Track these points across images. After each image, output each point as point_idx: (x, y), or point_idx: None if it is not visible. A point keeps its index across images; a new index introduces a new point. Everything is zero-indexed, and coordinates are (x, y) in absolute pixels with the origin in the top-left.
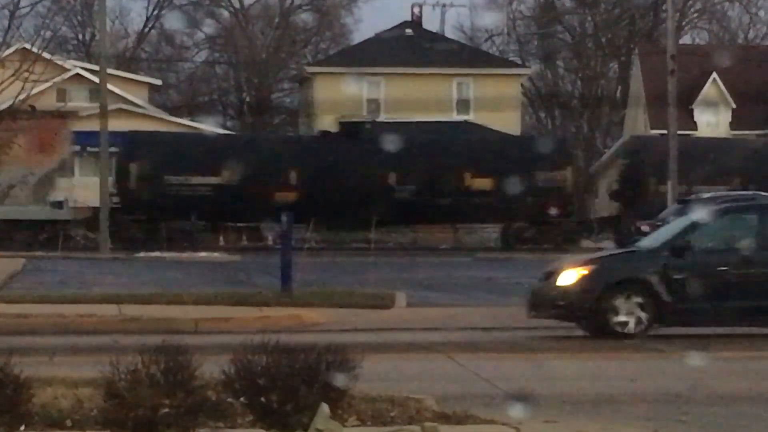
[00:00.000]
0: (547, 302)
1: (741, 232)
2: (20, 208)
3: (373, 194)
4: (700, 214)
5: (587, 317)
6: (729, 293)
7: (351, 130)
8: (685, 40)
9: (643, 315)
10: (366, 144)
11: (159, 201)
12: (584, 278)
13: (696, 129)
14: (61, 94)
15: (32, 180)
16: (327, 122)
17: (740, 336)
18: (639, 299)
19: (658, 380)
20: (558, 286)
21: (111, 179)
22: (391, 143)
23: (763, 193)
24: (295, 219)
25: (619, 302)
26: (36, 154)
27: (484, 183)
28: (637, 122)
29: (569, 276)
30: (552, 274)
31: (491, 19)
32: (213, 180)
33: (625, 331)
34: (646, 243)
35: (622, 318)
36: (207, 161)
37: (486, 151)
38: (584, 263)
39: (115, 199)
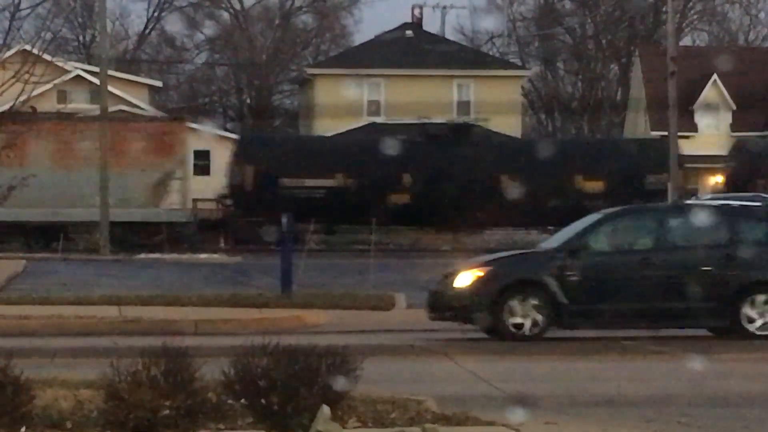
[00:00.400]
0: (443, 304)
1: (639, 233)
2: (139, 210)
3: (485, 196)
4: (598, 214)
5: (483, 319)
6: (626, 295)
7: (460, 131)
8: (686, 41)
9: (539, 317)
10: (476, 146)
11: (274, 203)
12: (480, 280)
13: (696, 131)
14: (62, 96)
15: (150, 181)
16: (327, 124)
17: (740, 336)
18: (535, 301)
19: (658, 382)
20: (454, 288)
21: (224, 180)
22: (500, 144)
23: (765, 195)
24: (408, 221)
25: (515, 304)
26: (153, 156)
27: (594, 186)
28: (638, 124)
29: (465, 278)
30: (449, 276)
31: (492, 21)
32: (327, 182)
33: (522, 333)
34: (546, 244)
35: (517, 320)
36: (322, 163)
37: (597, 153)
38: (480, 265)
39: (228, 201)
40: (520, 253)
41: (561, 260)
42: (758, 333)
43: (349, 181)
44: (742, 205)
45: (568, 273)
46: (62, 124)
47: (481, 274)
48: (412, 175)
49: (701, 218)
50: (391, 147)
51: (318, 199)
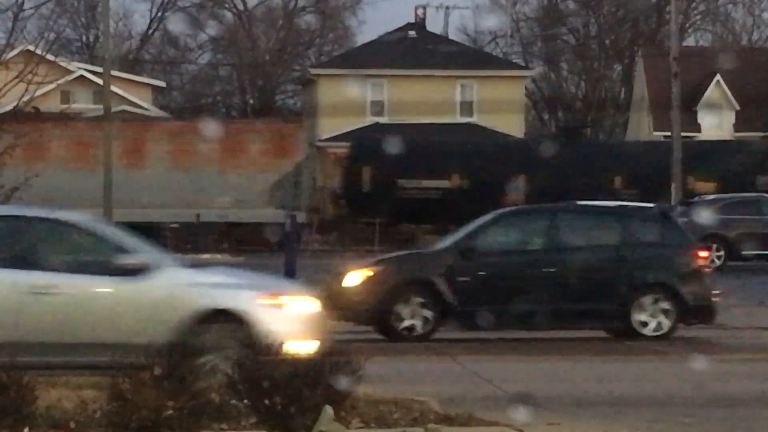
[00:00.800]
0: (334, 303)
1: (531, 233)
2: (258, 212)
3: (599, 198)
4: (491, 214)
5: (373, 319)
6: (515, 296)
7: (572, 133)
8: (689, 42)
9: (428, 316)
10: (588, 147)
11: (391, 204)
12: (369, 280)
13: (699, 131)
14: (65, 96)
15: (267, 183)
16: (330, 125)
17: (740, 337)
18: (423, 301)
19: (661, 382)
20: (344, 288)
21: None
22: (612, 146)
23: (767, 196)
24: None
25: (403, 304)
26: (272, 158)
27: (707, 187)
28: (641, 124)
29: (354, 278)
30: (341, 276)
31: (495, 21)
32: (443, 184)
33: (412, 333)
34: (439, 245)
35: (406, 320)
36: (438, 165)
37: (710, 154)
38: (370, 265)
39: (342, 202)
40: (411, 253)
41: (451, 260)
42: (649, 335)
43: (464, 182)
44: (635, 206)
45: (458, 273)
46: (186, 127)
47: (371, 274)
48: (527, 176)
49: (594, 219)
50: (506, 148)
51: (433, 201)
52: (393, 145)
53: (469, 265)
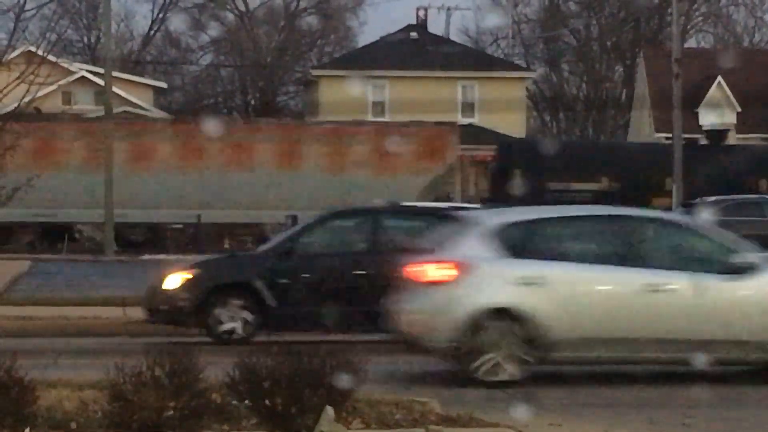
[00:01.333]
0: (154, 306)
1: (352, 235)
2: None
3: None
4: (315, 216)
5: (192, 322)
6: (334, 298)
7: (716, 137)
8: (690, 43)
9: (249, 319)
10: (731, 151)
11: None
12: (188, 282)
13: (701, 132)
14: (66, 97)
15: (418, 185)
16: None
17: None
18: (243, 303)
19: (663, 383)
20: (164, 290)
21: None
22: (755, 150)
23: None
24: None
25: (222, 306)
26: (424, 161)
27: None
28: (642, 125)
29: (174, 280)
30: (161, 278)
31: (496, 23)
32: (592, 186)
33: (232, 336)
34: (262, 246)
35: (226, 322)
36: (587, 167)
37: None
38: (190, 267)
39: (489, 206)
40: (231, 255)
41: (271, 262)
42: None
43: (613, 185)
44: (458, 207)
45: (278, 275)
46: (340, 129)
47: (189, 276)
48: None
49: (418, 220)
50: (655, 151)
51: (583, 204)
52: (543, 148)
53: (290, 267)
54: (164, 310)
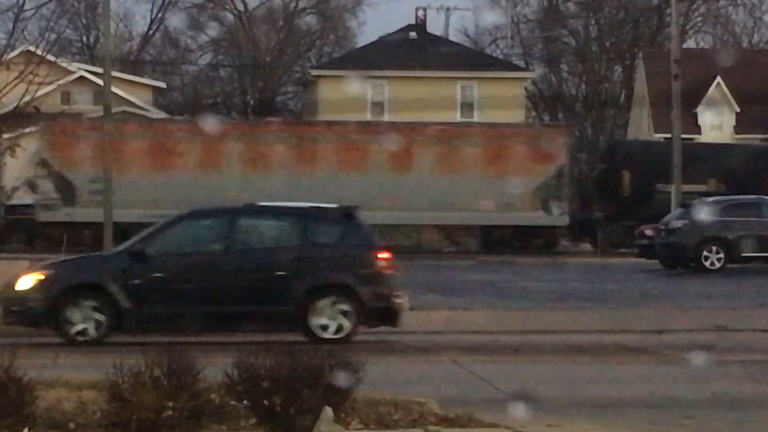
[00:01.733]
0: (6, 307)
1: (209, 235)
2: (519, 215)
3: None
4: (170, 217)
5: (45, 323)
6: (188, 299)
7: None
8: (690, 43)
9: (101, 320)
10: None
11: (650, 208)
12: (39, 283)
13: (700, 132)
14: (65, 97)
15: (530, 186)
16: None
17: (740, 339)
18: (95, 304)
19: (661, 384)
20: (17, 291)
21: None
22: None
23: (766, 197)
24: None
25: (73, 308)
26: (533, 162)
27: None
28: (641, 125)
29: (26, 281)
30: (15, 278)
31: (495, 23)
32: (700, 188)
33: (84, 337)
34: (116, 248)
35: (77, 324)
36: (696, 169)
37: None
38: (42, 268)
39: (596, 207)
40: (84, 256)
41: (124, 263)
42: (330, 338)
43: (720, 186)
44: (317, 207)
45: (131, 276)
46: (451, 131)
47: (42, 277)
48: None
49: (274, 220)
50: (763, 152)
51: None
52: (651, 150)
53: (143, 268)
54: (17, 311)
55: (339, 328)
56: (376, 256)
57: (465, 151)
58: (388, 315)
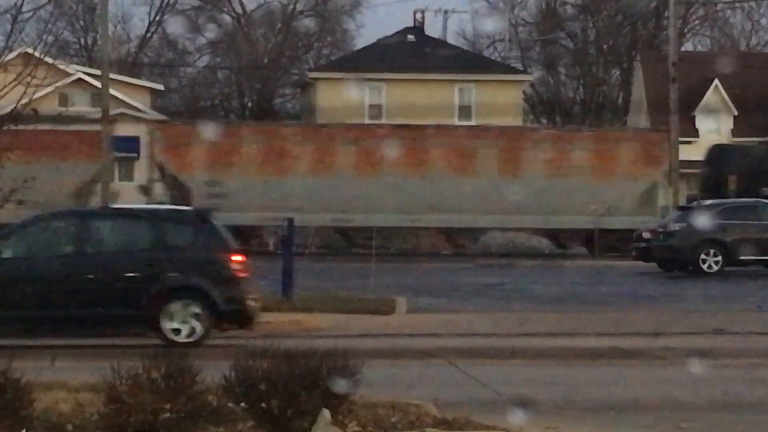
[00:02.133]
0: None
1: (56, 239)
2: (625, 218)
3: None
4: (20, 219)
5: None
6: (34, 302)
7: None
8: (687, 47)
9: None
10: None
11: None
12: None
13: (698, 136)
14: (63, 99)
15: (637, 190)
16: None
17: (739, 340)
18: None
19: (659, 387)
20: None
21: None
22: None
23: (764, 200)
24: None
25: None
26: (640, 166)
27: None
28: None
29: None
30: None
31: (493, 26)
32: None
33: None
34: None
35: None
36: None
37: None
38: None
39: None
40: None
41: None
42: (183, 341)
43: None
44: (170, 210)
45: None
46: (558, 135)
47: None
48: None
49: (125, 223)
50: None
51: None
52: (757, 154)
53: None
54: None
55: (192, 332)
56: (230, 259)
57: (573, 155)
58: (241, 318)
